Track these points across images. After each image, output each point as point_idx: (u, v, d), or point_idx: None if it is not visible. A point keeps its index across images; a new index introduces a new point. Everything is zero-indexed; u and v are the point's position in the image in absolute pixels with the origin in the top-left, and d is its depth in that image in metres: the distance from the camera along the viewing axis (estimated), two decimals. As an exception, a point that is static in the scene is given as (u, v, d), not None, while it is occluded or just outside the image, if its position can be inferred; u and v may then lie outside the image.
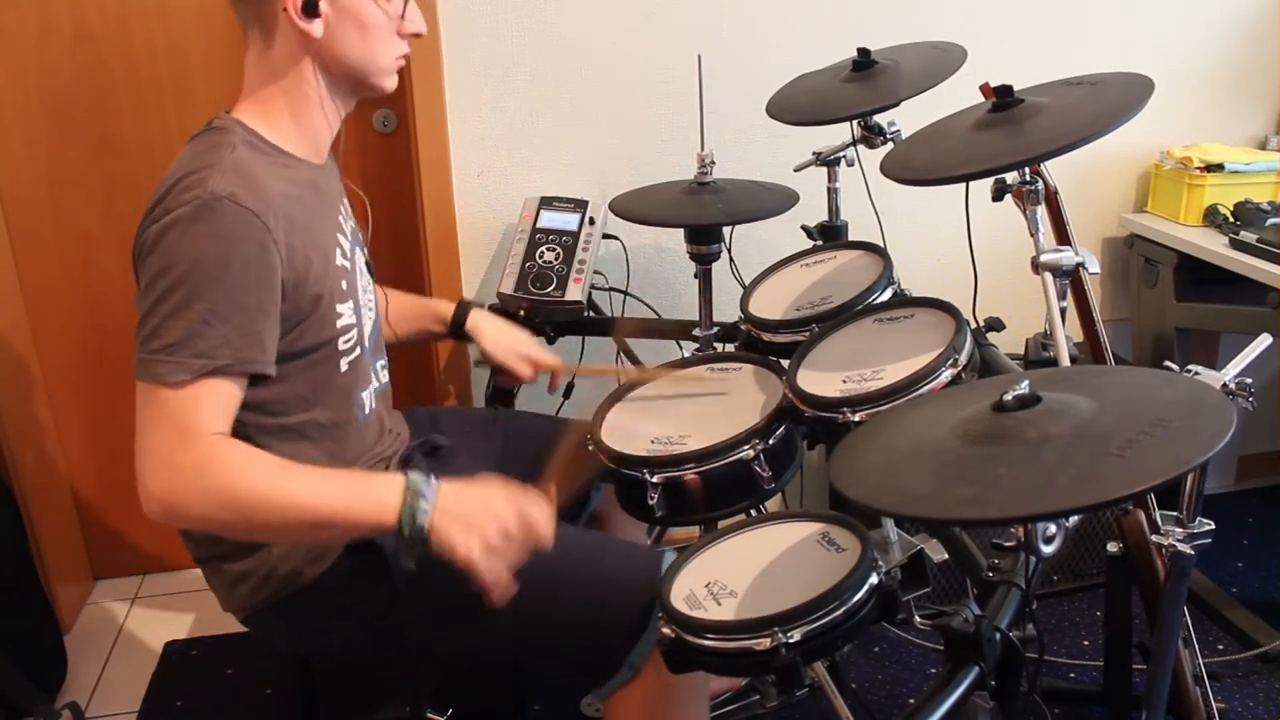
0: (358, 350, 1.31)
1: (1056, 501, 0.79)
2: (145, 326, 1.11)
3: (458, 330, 1.63)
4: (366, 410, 1.35)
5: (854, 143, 1.76)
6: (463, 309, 1.64)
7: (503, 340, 1.64)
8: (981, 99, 1.30)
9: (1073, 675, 1.96)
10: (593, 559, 1.30)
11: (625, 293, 2.16)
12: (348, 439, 1.32)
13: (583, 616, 1.25)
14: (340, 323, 1.26)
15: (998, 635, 1.18)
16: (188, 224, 1.10)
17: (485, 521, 1.11)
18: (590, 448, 1.34)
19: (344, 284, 1.28)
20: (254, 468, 1.12)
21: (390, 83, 1.29)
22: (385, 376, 1.45)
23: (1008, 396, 0.91)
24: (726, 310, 1.83)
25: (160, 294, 1.10)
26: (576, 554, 1.30)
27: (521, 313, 1.90)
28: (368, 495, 1.11)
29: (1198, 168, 2.20)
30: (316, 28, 1.19)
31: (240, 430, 1.20)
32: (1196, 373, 0.98)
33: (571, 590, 1.26)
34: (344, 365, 1.29)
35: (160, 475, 1.09)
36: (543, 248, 1.95)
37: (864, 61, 1.67)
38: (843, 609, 1.01)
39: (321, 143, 1.30)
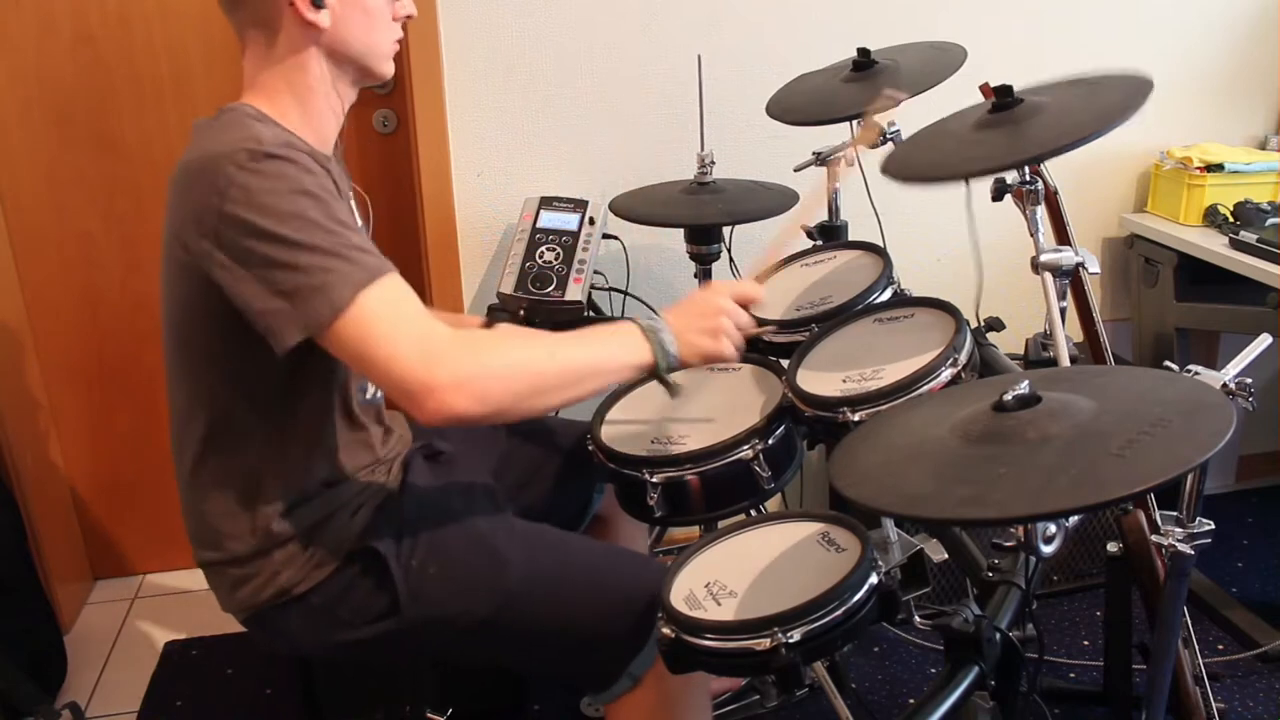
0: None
1: (1056, 501, 0.79)
2: (293, 276, 1.06)
3: None
4: (367, 395, 1.35)
5: (854, 143, 1.76)
6: None
7: None
8: (981, 99, 1.30)
9: (1073, 675, 1.96)
10: (596, 568, 1.30)
11: (625, 293, 2.16)
12: (346, 437, 1.32)
13: (584, 625, 1.25)
14: None
15: (998, 635, 1.18)
16: (263, 178, 1.08)
17: (711, 317, 1.24)
18: (591, 448, 1.34)
19: None
20: (516, 340, 1.18)
21: (390, 68, 1.30)
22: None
23: (1008, 396, 0.91)
24: (726, 310, 1.83)
25: (283, 239, 1.07)
26: (579, 562, 1.30)
27: (521, 313, 1.90)
28: (625, 344, 1.20)
29: (1198, 168, 2.19)
30: (324, 18, 1.20)
31: (239, 425, 1.20)
32: (1196, 373, 0.98)
33: (573, 599, 1.26)
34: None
35: (432, 365, 1.07)
36: (543, 248, 1.95)
37: (864, 61, 1.68)
38: (843, 609, 1.01)
39: (328, 133, 1.30)
